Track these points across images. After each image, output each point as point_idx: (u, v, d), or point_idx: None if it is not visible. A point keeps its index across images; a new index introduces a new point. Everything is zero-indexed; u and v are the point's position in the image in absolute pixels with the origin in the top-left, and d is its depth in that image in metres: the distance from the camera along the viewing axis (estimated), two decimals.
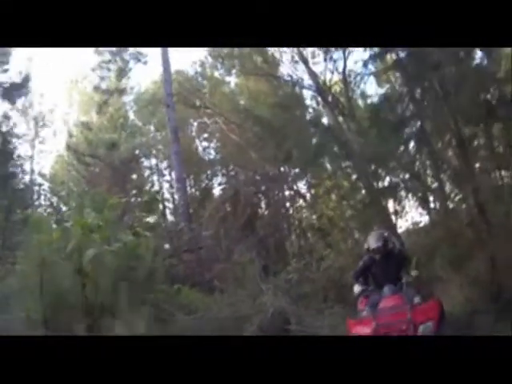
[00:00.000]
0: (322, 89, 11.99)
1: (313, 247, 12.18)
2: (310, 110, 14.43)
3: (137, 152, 15.65)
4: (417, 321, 4.01)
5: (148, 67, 13.61)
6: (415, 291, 4.40)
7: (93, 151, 9.78)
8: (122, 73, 11.31)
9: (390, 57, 9.80)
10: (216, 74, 14.51)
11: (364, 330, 4.13)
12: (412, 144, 9.40)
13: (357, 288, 4.64)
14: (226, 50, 12.90)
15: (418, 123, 9.36)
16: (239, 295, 7.85)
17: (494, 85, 8.49)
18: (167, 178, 17.12)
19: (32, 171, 9.37)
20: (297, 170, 12.98)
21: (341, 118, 11.81)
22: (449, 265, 7.65)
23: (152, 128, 16.73)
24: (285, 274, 8.52)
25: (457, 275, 7.34)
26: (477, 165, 8.85)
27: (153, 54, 12.62)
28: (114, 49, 12.02)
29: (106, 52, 12.26)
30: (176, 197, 14.07)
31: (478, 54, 8.64)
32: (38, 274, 6.21)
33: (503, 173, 9.07)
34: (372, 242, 4.68)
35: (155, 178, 17.18)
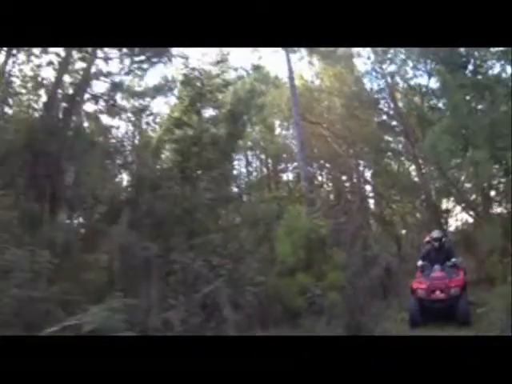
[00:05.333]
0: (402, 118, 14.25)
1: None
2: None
3: None
4: (451, 286, 7.20)
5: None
6: (453, 271, 7.56)
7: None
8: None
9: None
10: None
11: (422, 286, 7.36)
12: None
13: (420, 263, 7.84)
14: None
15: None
16: None
17: None
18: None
19: None
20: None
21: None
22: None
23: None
24: None
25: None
26: None
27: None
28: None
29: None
30: None
31: None
32: None
33: None
34: (435, 233, 8.21)
35: None
